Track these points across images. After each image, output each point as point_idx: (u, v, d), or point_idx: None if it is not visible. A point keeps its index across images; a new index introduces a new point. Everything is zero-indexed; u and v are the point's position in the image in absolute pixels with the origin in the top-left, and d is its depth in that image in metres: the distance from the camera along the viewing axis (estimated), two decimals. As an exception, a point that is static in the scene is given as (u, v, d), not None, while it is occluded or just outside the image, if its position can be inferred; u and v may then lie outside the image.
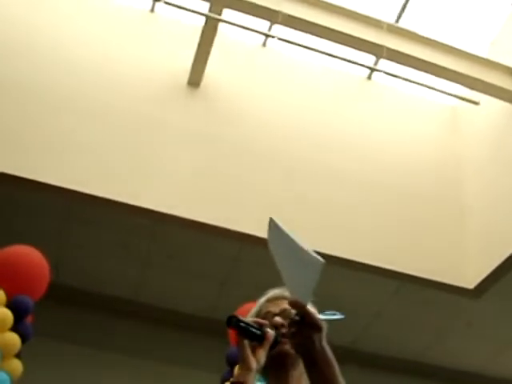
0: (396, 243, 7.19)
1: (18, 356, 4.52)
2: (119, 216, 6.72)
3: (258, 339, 2.05)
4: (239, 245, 7.00)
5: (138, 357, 7.59)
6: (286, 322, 2.15)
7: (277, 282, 7.31)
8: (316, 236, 6.89)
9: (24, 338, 4.50)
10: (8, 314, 4.42)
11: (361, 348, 8.22)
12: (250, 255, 7.14)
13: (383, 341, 8.24)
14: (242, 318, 2.08)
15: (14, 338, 4.42)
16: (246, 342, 2.04)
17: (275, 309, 2.27)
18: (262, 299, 2.36)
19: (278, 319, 2.20)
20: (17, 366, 4.49)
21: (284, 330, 2.14)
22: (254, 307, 2.35)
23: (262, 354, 2.05)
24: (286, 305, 2.22)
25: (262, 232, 7.16)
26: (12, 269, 4.59)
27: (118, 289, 7.73)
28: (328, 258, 7.33)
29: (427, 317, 7.86)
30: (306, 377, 2.13)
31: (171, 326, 7.83)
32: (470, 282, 7.24)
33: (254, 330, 2.06)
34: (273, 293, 2.38)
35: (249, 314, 2.33)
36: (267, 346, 2.07)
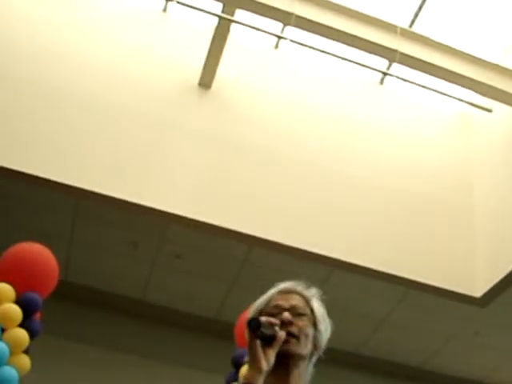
0: (404, 249, 7.17)
1: (26, 352, 4.54)
2: (128, 215, 6.73)
3: (268, 340, 2.01)
4: (248, 247, 7.01)
5: (143, 356, 7.59)
6: (294, 320, 2.12)
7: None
8: (325, 241, 6.91)
9: (32, 335, 4.52)
10: (17, 311, 4.44)
11: (367, 354, 8.21)
12: (259, 258, 7.14)
13: (389, 347, 8.23)
14: (262, 319, 2.03)
15: (23, 334, 4.44)
16: (257, 342, 2.00)
17: (285, 303, 2.19)
18: (273, 290, 2.26)
19: (286, 315, 2.13)
20: (25, 361, 4.51)
21: (291, 328, 2.10)
22: (264, 296, 2.26)
23: (272, 355, 2.01)
24: (295, 300, 2.20)
25: (271, 235, 7.23)
26: (21, 266, 4.61)
27: (125, 288, 7.75)
28: (336, 263, 7.37)
29: (434, 324, 7.84)
30: (304, 377, 2.15)
31: (177, 327, 7.84)
32: (478, 291, 7.21)
33: (265, 330, 2.01)
34: (284, 285, 2.28)
35: (256, 302, 2.25)
36: (277, 346, 2.02)
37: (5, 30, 6.88)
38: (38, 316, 4.66)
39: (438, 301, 7.33)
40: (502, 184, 7.40)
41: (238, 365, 3.82)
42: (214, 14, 6.73)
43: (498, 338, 7.98)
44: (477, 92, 7.38)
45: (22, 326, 4.47)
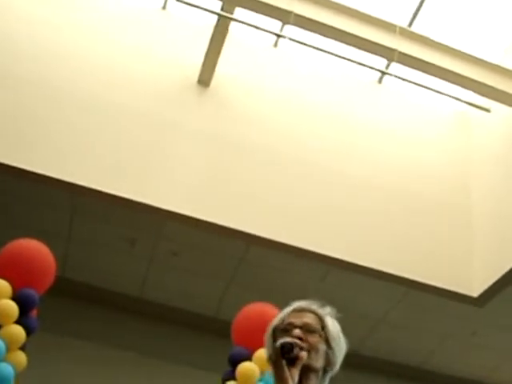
0: (403, 249, 7.18)
1: (22, 349, 4.54)
2: (126, 212, 6.73)
3: (292, 360, 2.09)
4: (246, 245, 7.01)
5: (140, 353, 7.59)
6: (305, 336, 2.20)
7: (281, 283, 7.38)
8: (323, 240, 6.92)
9: (29, 331, 4.52)
10: (13, 307, 4.44)
11: (365, 353, 8.21)
12: (257, 256, 7.15)
13: (388, 346, 8.23)
14: (288, 340, 2.12)
15: (19, 331, 4.44)
16: (283, 362, 2.07)
17: (297, 321, 2.27)
18: (288, 308, 2.35)
19: (297, 332, 2.21)
20: (21, 358, 4.51)
21: (302, 344, 2.16)
22: (279, 314, 2.35)
23: (296, 374, 2.09)
24: (308, 318, 2.28)
25: (269, 233, 7.23)
26: (18, 262, 4.61)
27: (123, 285, 7.75)
28: (334, 262, 7.37)
29: (432, 323, 7.85)
30: None
31: (175, 324, 7.84)
32: (475, 291, 7.22)
33: (289, 350, 2.10)
34: (298, 304, 2.37)
35: (273, 320, 2.35)
36: (299, 366, 2.10)
37: (5, 29, 6.89)
38: (34, 312, 4.66)
39: (436, 300, 7.34)
40: (499, 184, 7.40)
41: (234, 363, 3.82)
42: (213, 12, 6.73)
43: (495, 338, 7.98)
44: (475, 92, 7.38)
45: (18, 322, 4.47)
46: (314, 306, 2.34)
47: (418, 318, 7.78)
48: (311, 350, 2.18)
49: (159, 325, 7.80)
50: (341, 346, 2.33)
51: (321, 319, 2.30)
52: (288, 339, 2.12)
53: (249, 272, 7.37)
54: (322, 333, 2.26)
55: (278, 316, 2.34)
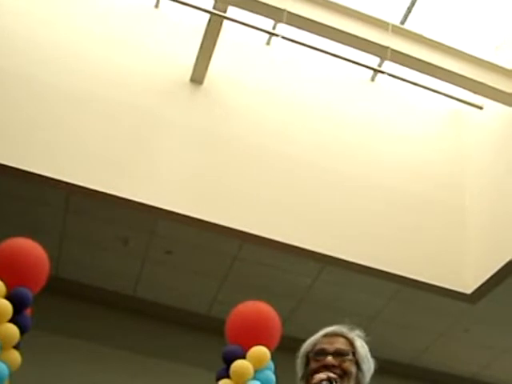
0: (395, 246, 7.19)
1: (16, 347, 4.53)
2: (119, 211, 6.72)
3: None
4: (239, 243, 7.01)
5: (134, 352, 7.60)
6: (337, 362, 2.33)
7: (275, 281, 7.37)
8: (316, 237, 6.92)
9: (23, 330, 4.51)
10: (7, 306, 4.42)
11: (357, 350, 8.21)
12: (250, 254, 7.15)
13: (379, 343, 8.19)
14: (325, 378, 2.24)
15: (13, 330, 4.42)
16: None
17: (329, 347, 2.38)
18: (319, 333, 2.46)
19: (330, 359, 2.33)
20: (15, 357, 4.50)
21: (335, 370, 2.30)
22: (311, 338, 2.45)
23: None
24: (339, 343, 2.39)
25: (262, 231, 7.23)
26: (12, 261, 4.59)
27: (116, 283, 7.75)
28: (327, 259, 7.36)
29: (424, 320, 7.86)
30: None
31: (168, 322, 7.85)
32: (468, 287, 7.23)
33: None
34: (330, 329, 2.48)
35: (304, 345, 2.45)
36: None
37: (-5, 25, 6.86)
38: (28, 311, 4.65)
39: (428, 297, 7.35)
40: (493, 181, 7.42)
41: (228, 361, 3.82)
42: (205, 11, 6.72)
43: (488, 335, 8.00)
44: (468, 89, 7.39)
45: (12, 321, 4.45)
46: (343, 329, 2.47)
47: (411, 315, 7.80)
48: (344, 375, 2.31)
49: (153, 323, 7.81)
50: (369, 367, 2.49)
51: (351, 343, 2.43)
52: (324, 376, 2.23)
53: (242, 270, 7.37)
54: (352, 357, 2.39)
55: (310, 340, 2.44)
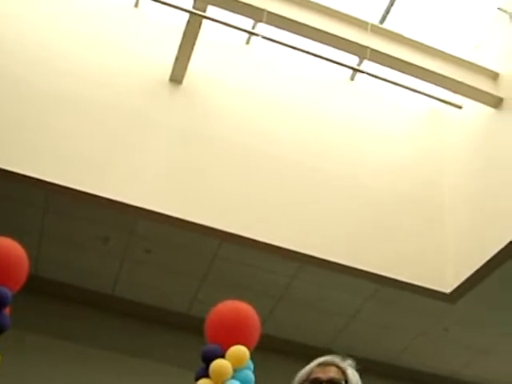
0: (375, 245, 7.21)
1: (-5, 347, 4.50)
2: (99, 210, 6.70)
3: None
4: (219, 242, 7.00)
5: (113, 351, 7.58)
6: None
7: (254, 280, 7.34)
8: (295, 237, 6.92)
9: (1, 329, 4.48)
10: (-14, 305, 4.40)
11: (336, 349, 8.21)
12: (230, 253, 7.14)
13: (359, 342, 8.26)
14: None
15: (-8, 329, 4.40)
16: None
17: (323, 375, 2.49)
18: (313, 363, 2.58)
19: None
20: (-6, 357, 4.47)
21: None
22: (305, 368, 2.58)
23: None
24: (332, 372, 2.50)
25: (241, 230, 7.20)
26: (-10, 260, 4.57)
27: (95, 282, 7.72)
28: (307, 258, 7.35)
29: (404, 320, 7.88)
30: None
31: (148, 321, 7.83)
32: (448, 287, 7.25)
33: None
34: (323, 358, 2.59)
35: (298, 374, 2.57)
36: None
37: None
38: (7, 310, 4.62)
39: (408, 296, 7.37)
40: (472, 181, 7.44)
41: (207, 360, 3.82)
42: (185, 10, 6.71)
43: (467, 335, 8.03)
44: (447, 89, 7.43)
45: (-10, 320, 4.43)
46: (336, 359, 2.56)
47: (390, 315, 7.82)
48: None
49: (132, 322, 7.79)
50: None
51: (343, 372, 2.52)
52: None
53: (222, 269, 7.37)
54: None
55: (304, 370, 2.55)
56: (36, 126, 6.53)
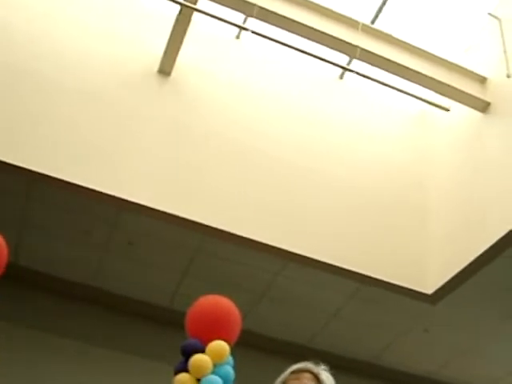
0: (358, 244, 7.20)
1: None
2: (82, 200, 6.64)
3: None
4: (202, 237, 6.97)
5: (91, 343, 7.52)
6: None
7: (237, 276, 7.30)
8: (277, 233, 6.91)
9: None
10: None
11: (316, 346, 8.24)
12: (212, 248, 7.12)
13: (339, 340, 8.27)
14: None
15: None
16: None
17: (297, 382, 2.57)
18: (287, 371, 2.64)
19: None
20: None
21: None
22: (280, 377, 2.64)
23: None
24: (306, 379, 2.58)
25: (225, 225, 7.15)
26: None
27: (76, 273, 7.66)
28: (291, 256, 7.32)
29: (384, 319, 7.90)
30: None
31: (127, 314, 7.79)
32: (429, 288, 7.27)
33: None
34: (297, 366, 2.66)
35: (275, 382, 2.64)
36: None
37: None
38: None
39: (389, 296, 7.38)
40: (456, 184, 7.46)
41: (187, 354, 3.79)
42: (176, 2, 6.66)
43: (447, 336, 8.07)
44: (435, 91, 7.43)
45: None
46: (309, 365, 2.65)
47: (371, 314, 7.83)
48: None
49: (113, 314, 7.75)
50: None
51: (317, 377, 2.61)
52: None
53: (204, 264, 7.35)
54: None
55: (280, 378, 2.63)
56: (18, 113, 6.45)
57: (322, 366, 2.66)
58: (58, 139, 6.47)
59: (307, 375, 2.58)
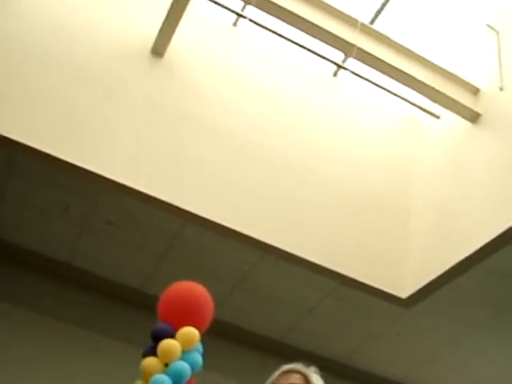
0: (338, 244, 7.19)
1: None
2: (63, 175, 6.56)
3: None
4: (181, 222, 6.92)
5: (61, 320, 7.45)
6: None
7: (214, 264, 7.24)
8: (260, 225, 6.88)
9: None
10: None
11: (288, 342, 8.23)
12: (192, 234, 7.08)
13: (311, 338, 8.27)
14: None
15: None
16: None
17: (286, 382, 2.60)
18: (277, 372, 2.68)
19: None
20: None
21: None
22: (270, 377, 2.68)
23: None
24: (295, 379, 2.61)
25: (205, 212, 7.09)
26: None
27: (51, 249, 7.59)
28: (269, 248, 7.28)
29: (358, 320, 7.91)
30: None
31: (101, 294, 7.73)
32: (404, 292, 7.29)
33: None
34: (287, 366, 2.69)
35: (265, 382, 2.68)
36: None
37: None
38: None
39: (364, 297, 7.39)
40: (440, 190, 7.48)
41: (157, 339, 3.75)
42: (174, -17, 6.60)
43: (417, 341, 8.11)
44: (427, 97, 7.44)
45: None
46: (299, 366, 2.68)
47: (345, 313, 7.83)
48: None
49: (85, 293, 7.69)
50: None
51: (306, 378, 2.63)
52: None
53: (183, 249, 7.30)
54: None
55: (270, 379, 2.67)
56: (3, 84, 6.34)
57: (313, 368, 2.69)
58: (42, 111, 6.36)
59: (296, 376, 2.60)
